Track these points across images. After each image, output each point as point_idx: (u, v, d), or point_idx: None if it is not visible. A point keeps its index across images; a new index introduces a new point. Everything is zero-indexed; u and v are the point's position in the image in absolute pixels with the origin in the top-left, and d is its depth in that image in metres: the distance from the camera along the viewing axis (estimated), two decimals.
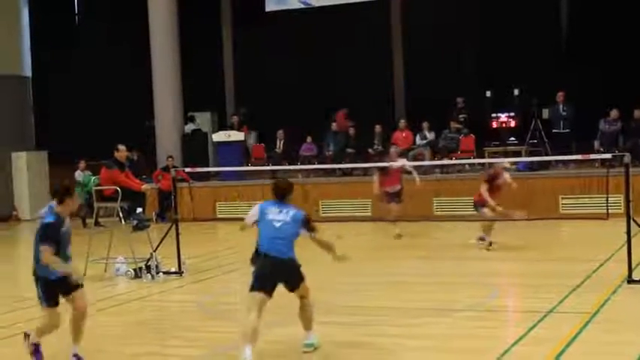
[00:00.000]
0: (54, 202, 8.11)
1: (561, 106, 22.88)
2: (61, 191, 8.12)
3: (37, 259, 8.00)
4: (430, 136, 23.98)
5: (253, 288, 8.23)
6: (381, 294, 11.89)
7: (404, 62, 29.92)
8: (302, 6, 27.52)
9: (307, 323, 8.67)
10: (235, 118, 27.08)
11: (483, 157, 22.38)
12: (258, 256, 8.49)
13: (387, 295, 11.77)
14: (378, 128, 24.54)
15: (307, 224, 8.57)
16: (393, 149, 18.71)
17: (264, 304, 8.19)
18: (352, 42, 29.19)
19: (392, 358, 8.52)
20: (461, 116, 24.30)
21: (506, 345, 8.56)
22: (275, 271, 8.29)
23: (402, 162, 18.04)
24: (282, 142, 25.86)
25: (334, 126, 24.87)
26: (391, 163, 17.62)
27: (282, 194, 8.70)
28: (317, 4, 27.13)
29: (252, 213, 8.62)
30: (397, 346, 8.90)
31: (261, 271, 8.30)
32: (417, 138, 24.08)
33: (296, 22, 28.77)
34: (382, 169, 17.69)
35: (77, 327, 8.29)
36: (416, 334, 9.37)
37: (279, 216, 8.50)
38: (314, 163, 23.96)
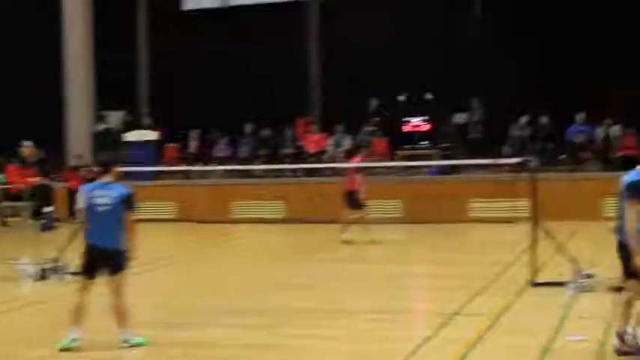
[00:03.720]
0: None
1: (474, 112, 23.22)
2: None
3: None
4: (345, 138, 24.07)
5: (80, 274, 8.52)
6: (286, 296, 11.86)
7: (320, 64, 29.96)
8: (218, 5, 27.37)
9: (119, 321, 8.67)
10: (149, 118, 26.77)
11: (395, 160, 22.59)
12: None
13: (293, 297, 11.73)
14: (289, 131, 24.51)
15: (129, 203, 8.57)
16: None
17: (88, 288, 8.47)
18: (268, 42, 29.12)
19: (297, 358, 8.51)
20: (374, 119, 24.46)
21: (412, 347, 8.62)
22: (98, 261, 8.45)
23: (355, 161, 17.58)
24: (196, 143, 25.67)
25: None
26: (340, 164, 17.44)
27: (104, 171, 8.65)
28: (233, 4, 27.00)
29: (80, 199, 8.54)
30: (303, 347, 8.87)
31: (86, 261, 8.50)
32: (331, 140, 24.15)
33: (212, 21, 28.58)
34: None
35: None
36: (322, 336, 9.35)
37: (102, 199, 8.44)
38: (228, 164, 23.85)
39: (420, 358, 8.31)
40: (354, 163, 17.24)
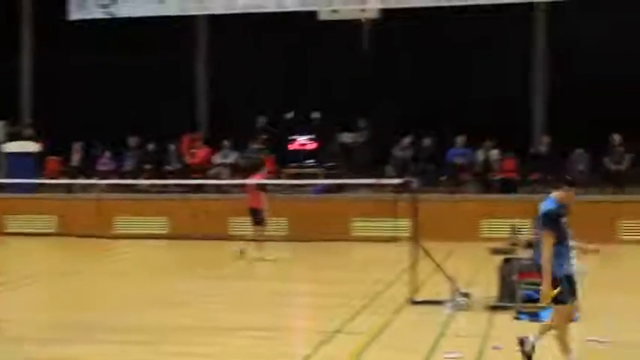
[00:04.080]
0: None
1: (360, 132, 23.50)
2: None
3: None
4: (230, 155, 23.99)
5: None
6: (165, 313, 11.73)
7: (207, 79, 29.79)
8: (106, 16, 26.94)
9: None
10: (30, 129, 26.12)
11: (281, 178, 22.65)
12: None
13: (172, 314, 11.61)
14: (172, 147, 24.24)
15: None
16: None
17: None
18: (155, 55, 28.81)
19: None
20: (261, 136, 24.48)
21: None
22: None
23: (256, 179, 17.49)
24: (79, 156, 25.17)
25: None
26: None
27: None
28: (121, 15, 26.62)
29: None
30: None
31: None
32: (218, 156, 24.03)
33: (99, 32, 28.10)
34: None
35: None
36: (199, 353, 9.30)
37: None
38: (111, 178, 23.45)
39: None
40: (255, 180, 17.27)
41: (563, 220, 7.94)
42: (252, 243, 17.18)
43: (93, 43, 28.45)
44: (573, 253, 8.25)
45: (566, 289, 8.00)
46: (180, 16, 26.90)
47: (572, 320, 8.33)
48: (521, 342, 8.31)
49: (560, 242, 7.95)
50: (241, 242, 17.40)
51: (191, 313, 11.78)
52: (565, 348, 8.16)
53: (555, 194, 8.08)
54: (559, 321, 8.18)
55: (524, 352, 8.27)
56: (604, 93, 26.06)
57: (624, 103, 25.31)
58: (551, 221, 7.92)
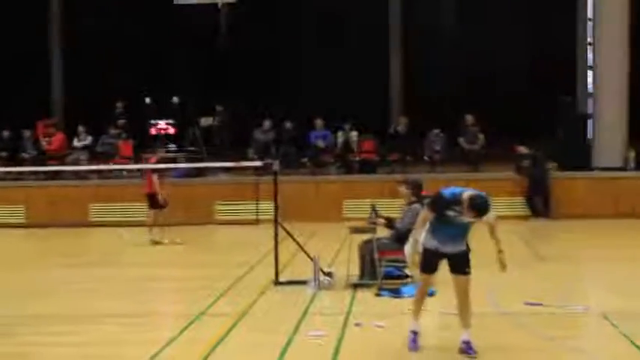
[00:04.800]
0: None
1: (219, 115, 23.45)
2: None
3: None
4: (88, 140, 23.50)
5: None
6: (25, 302, 11.50)
7: (62, 64, 29.10)
8: None
9: None
10: None
11: (141, 163, 22.38)
12: None
13: (34, 304, 11.39)
14: (27, 133, 23.52)
15: None
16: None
17: None
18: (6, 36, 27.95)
19: None
20: (120, 121, 24.11)
21: (156, 349, 8.65)
22: None
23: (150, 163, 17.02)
24: None
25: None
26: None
27: None
28: None
29: None
30: (43, 354, 8.68)
31: None
32: (75, 141, 23.51)
33: None
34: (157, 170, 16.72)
35: None
36: (63, 342, 9.17)
37: None
38: None
39: (165, 359, 8.36)
40: (150, 165, 16.96)
41: (451, 213, 8.11)
42: (154, 228, 16.85)
43: None
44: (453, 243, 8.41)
45: (425, 260, 8.33)
46: None
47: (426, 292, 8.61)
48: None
49: (440, 225, 8.20)
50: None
51: (54, 302, 11.58)
52: (415, 313, 8.49)
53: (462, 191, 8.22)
54: (419, 286, 8.57)
55: None
56: (457, 75, 26.92)
57: (477, 85, 26.26)
58: (435, 205, 8.20)
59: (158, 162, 17.11)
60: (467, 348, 8.23)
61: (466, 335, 8.29)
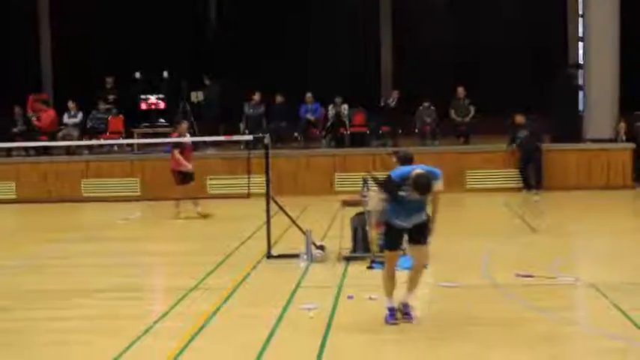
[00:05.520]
0: None
1: (209, 89, 23.32)
2: None
3: None
4: (78, 116, 23.40)
5: None
6: (21, 278, 11.53)
7: (52, 39, 28.89)
8: None
9: None
10: None
11: (132, 138, 22.37)
12: None
13: (28, 279, 11.42)
14: (17, 109, 23.39)
15: None
16: (185, 124, 17.37)
17: None
18: None
19: (32, 340, 8.29)
20: (110, 96, 24.03)
21: (149, 323, 8.68)
22: None
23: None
24: None
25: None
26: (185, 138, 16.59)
27: None
28: None
29: None
30: (39, 329, 8.71)
31: None
32: (65, 117, 23.41)
33: None
34: (179, 145, 16.45)
35: None
36: (59, 317, 9.21)
37: None
38: None
39: (157, 333, 8.40)
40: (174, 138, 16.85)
41: (403, 193, 8.13)
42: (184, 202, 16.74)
43: None
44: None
45: (391, 238, 8.46)
46: None
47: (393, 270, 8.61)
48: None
49: (399, 204, 8.24)
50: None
51: (47, 277, 11.61)
52: (388, 290, 8.54)
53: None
54: (385, 266, 8.68)
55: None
56: (449, 47, 26.94)
57: (468, 58, 26.21)
58: (385, 187, 8.33)
59: (180, 137, 16.81)
60: (406, 310, 8.50)
61: (409, 297, 8.53)
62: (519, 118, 20.19)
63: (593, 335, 8.11)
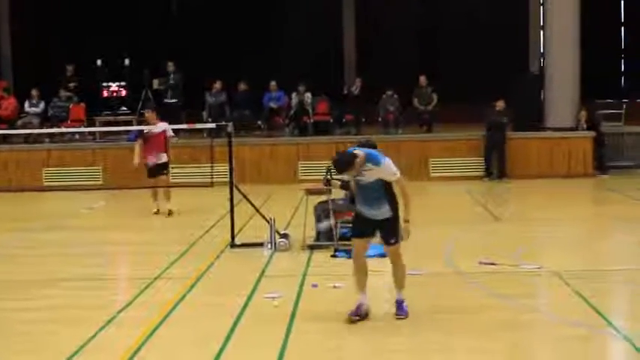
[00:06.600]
0: None
1: (170, 76, 23.15)
2: None
3: None
4: (40, 105, 23.14)
5: None
6: None
7: (10, 31, 28.46)
8: None
9: None
10: None
11: (94, 126, 22.19)
12: None
13: None
14: None
15: None
16: (149, 113, 16.21)
17: None
18: None
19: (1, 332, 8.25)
20: (71, 84, 23.78)
21: (112, 312, 8.63)
22: None
23: (163, 126, 15.78)
24: None
25: None
26: (151, 127, 15.64)
27: None
28: None
29: None
30: (7, 319, 8.64)
31: None
32: (26, 105, 23.14)
33: None
34: (143, 136, 15.65)
35: None
36: (24, 307, 9.13)
37: None
38: None
39: (122, 322, 8.37)
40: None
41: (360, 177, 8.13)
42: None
43: None
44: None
45: (354, 224, 8.49)
46: None
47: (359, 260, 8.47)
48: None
49: (356, 189, 8.28)
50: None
51: (10, 267, 11.50)
52: (357, 284, 8.41)
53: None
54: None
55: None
56: (411, 36, 27.00)
57: (431, 46, 26.31)
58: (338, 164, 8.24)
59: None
60: (397, 307, 8.35)
61: (399, 295, 8.40)
62: (500, 104, 20.28)
63: (554, 323, 8.19)
